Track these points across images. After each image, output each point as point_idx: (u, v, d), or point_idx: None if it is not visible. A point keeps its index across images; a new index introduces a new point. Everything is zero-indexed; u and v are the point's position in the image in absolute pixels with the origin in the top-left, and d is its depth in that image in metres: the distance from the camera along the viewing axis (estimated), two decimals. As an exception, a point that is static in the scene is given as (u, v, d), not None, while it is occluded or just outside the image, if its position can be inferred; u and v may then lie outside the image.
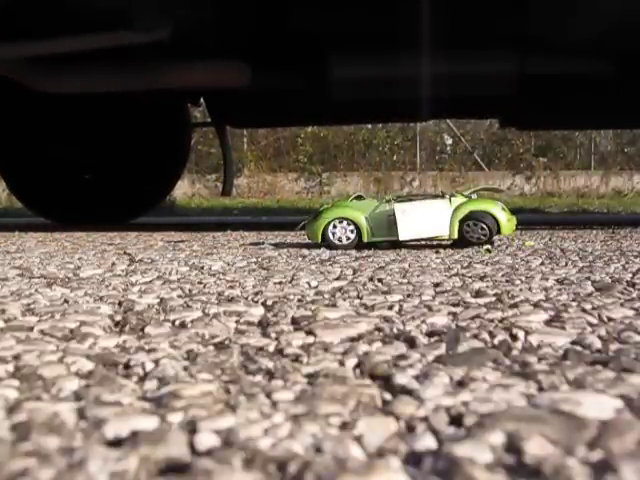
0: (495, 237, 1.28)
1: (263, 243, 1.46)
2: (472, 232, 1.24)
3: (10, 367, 0.39)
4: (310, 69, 1.93)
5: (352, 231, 1.27)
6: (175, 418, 0.30)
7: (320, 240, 1.28)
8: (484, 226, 1.23)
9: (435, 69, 1.80)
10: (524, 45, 1.80)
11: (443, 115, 3.14)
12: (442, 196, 1.28)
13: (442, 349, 0.42)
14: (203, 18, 1.75)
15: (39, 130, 2.66)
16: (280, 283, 0.77)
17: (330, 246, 1.27)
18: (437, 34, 1.67)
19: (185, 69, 1.93)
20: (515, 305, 0.58)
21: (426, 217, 1.25)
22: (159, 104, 2.55)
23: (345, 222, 1.27)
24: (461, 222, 1.24)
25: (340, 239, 1.27)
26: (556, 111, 2.22)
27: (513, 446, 0.26)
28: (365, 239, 1.27)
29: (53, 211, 2.85)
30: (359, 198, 1.33)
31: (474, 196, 1.30)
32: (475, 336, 0.46)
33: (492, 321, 0.51)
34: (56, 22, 1.69)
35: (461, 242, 1.26)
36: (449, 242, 1.31)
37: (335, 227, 1.27)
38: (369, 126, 7.77)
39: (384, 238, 1.28)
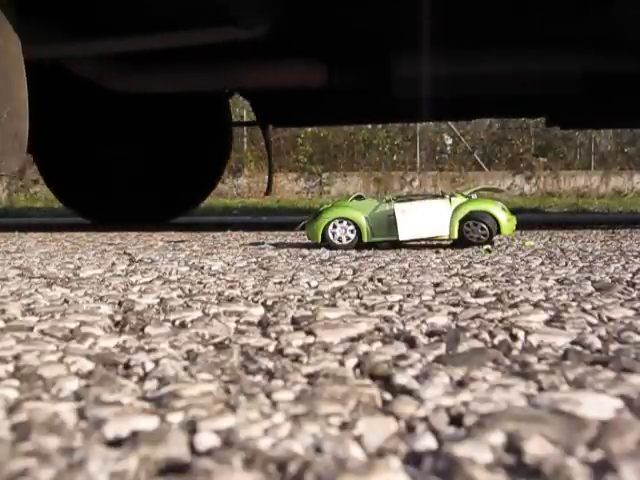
0: (495, 237, 1.28)
1: (263, 243, 1.46)
2: (472, 232, 1.24)
3: (10, 367, 0.39)
4: (374, 68, 1.94)
5: (352, 231, 1.27)
6: (175, 418, 0.30)
7: (320, 240, 1.28)
8: (484, 226, 1.23)
9: (499, 68, 1.81)
10: (591, 44, 1.80)
11: (488, 114, 3.12)
12: (442, 196, 1.28)
13: (442, 349, 0.42)
14: (291, 16, 1.74)
15: (80, 129, 2.65)
16: (280, 283, 0.77)
17: (330, 246, 1.27)
18: (503, 32, 1.67)
19: (269, 68, 1.93)
20: (515, 305, 0.58)
21: (426, 217, 1.25)
22: (201, 102, 2.54)
23: (345, 222, 1.27)
24: (461, 222, 1.24)
25: (340, 239, 1.27)
26: (609, 110, 2.24)
27: (513, 446, 0.26)
28: (365, 239, 1.27)
29: (93, 210, 2.82)
30: (359, 198, 1.33)
31: (474, 196, 1.30)
32: (475, 336, 0.46)
33: (492, 321, 0.51)
34: (148, 18, 1.68)
35: (461, 242, 1.26)
36: (449, 242, 1.31)
37: (335, 227, 1.27)
38: (369, 126, 7.77)
39: (384, 238, 1.28)
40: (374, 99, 2.09)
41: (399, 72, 1.88)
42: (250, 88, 2.08)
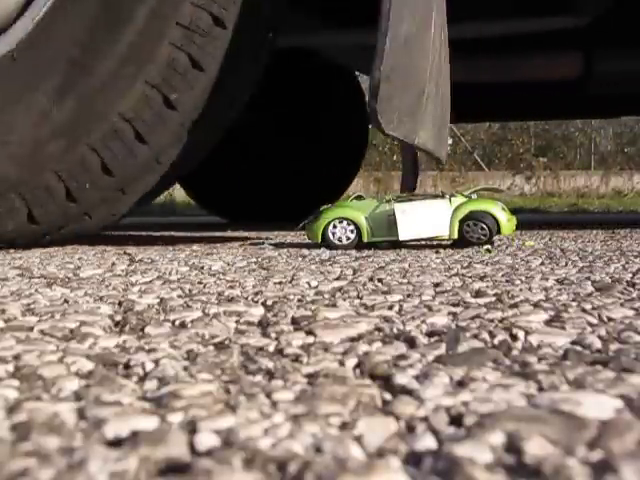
0: (495, 237, 1.28)
1: (263, 243, 1.46)
2: (472, 232, 1.24)
3: (10, 367, 0.39)
4: (585, 62, 1.94)
5: (352, 231, 1.27)
6: (175, 418, 0.30)
7: (320, 240, 1.28)
8: (484, 226, 1.23)
9: None
10: None
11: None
12: (442, 196, 1.28)
13: (442, 349, 0.42)
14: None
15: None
16: (280, 283, 0.77)
17: (330, 246, 1.27)
18: None
19: (550, 59, 1.90)
20: (515, 305, 0.58)
21: (426, 217, 1.25)
22: (341, 99, 2.48)
23: (345, 222, 1.27)
24: (461, 222, 1.24)
25: (340, 239, 1.27)
26: None
27: (513, 446, 0.26)
28: (365, 239, 1.27)
29: (229, 210, 2.78)
30: (359, 198, 1.33)
31: (474, 196, 1.30)
32: (475, 336, 0.46)
33: (492, 321, 0.51)
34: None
35: (461, 242, 1.26)
36: (449, 242, 1.31)
37: (335, 227, 1.27)
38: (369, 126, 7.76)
39: (384, 238, 1.28)
40: (553, 94, 2.06)
41: (599, 67, 1.87)
42: (519, 80, 2.04)
